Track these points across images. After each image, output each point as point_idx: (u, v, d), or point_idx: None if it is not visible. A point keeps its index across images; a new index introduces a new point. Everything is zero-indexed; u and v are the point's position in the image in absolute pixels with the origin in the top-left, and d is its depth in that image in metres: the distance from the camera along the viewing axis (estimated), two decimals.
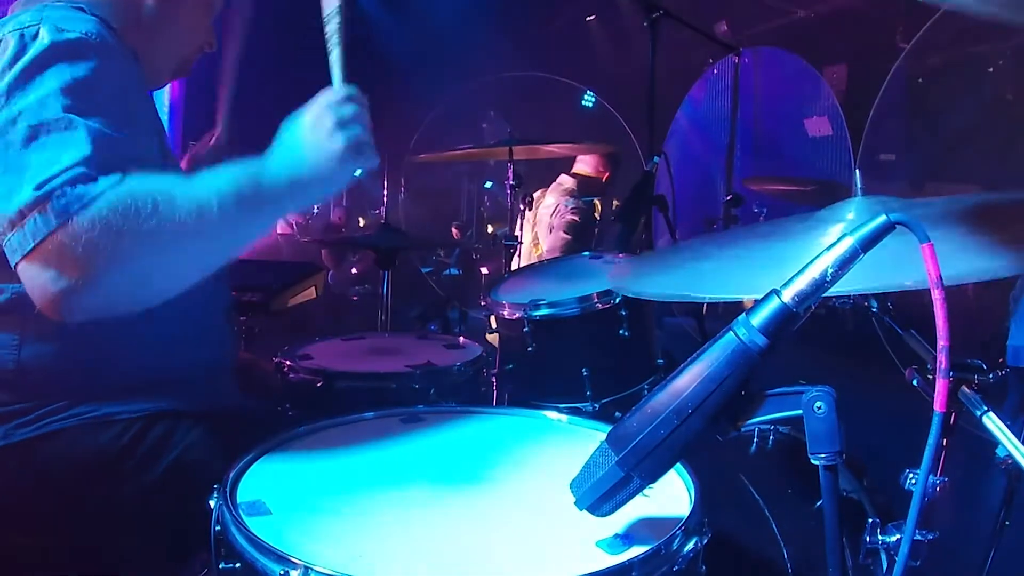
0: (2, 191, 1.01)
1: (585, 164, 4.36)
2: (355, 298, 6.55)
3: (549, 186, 4.47)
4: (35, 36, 1.07)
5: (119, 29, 1.23)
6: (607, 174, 4.39)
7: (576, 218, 4.12)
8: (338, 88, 1.21)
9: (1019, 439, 0.90)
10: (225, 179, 1.08)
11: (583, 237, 4.14)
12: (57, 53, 1.07)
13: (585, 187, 4.28)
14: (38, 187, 0.98)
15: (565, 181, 4.33)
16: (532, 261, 4.10)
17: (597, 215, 4.48)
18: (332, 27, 1.24)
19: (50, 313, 1.00)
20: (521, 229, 3.84)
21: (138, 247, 0.99)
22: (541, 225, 4.25)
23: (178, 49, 1.40)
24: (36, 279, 1.00)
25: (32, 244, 0.98)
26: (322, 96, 1.18)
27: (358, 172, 1.19)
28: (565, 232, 4.09)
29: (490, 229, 8.24)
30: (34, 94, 1.04)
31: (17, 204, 0.99)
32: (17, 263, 1.00)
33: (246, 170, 1.11)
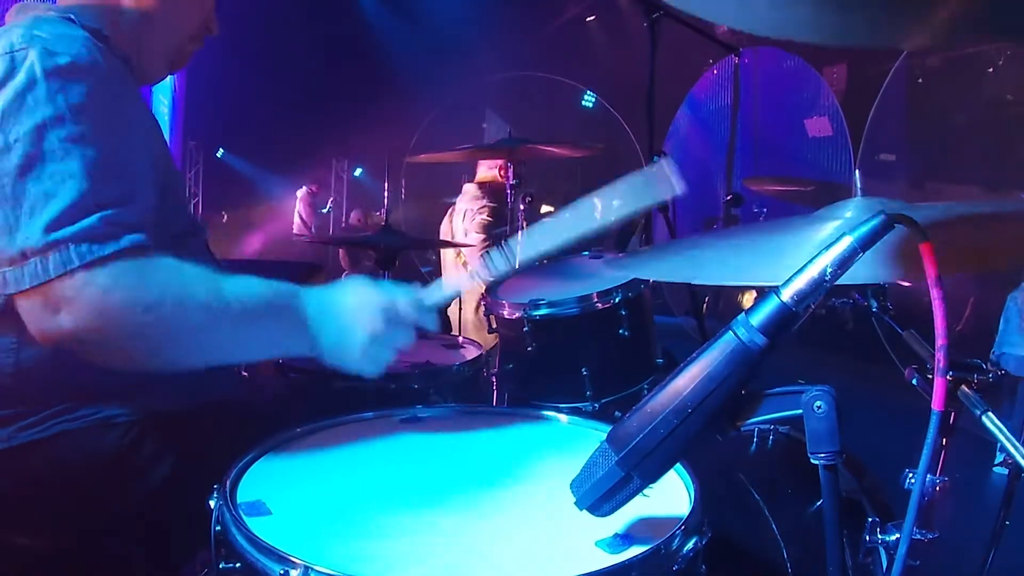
0: None
1: (486, 169, 4.45)
2: None
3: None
4: (25, 59, 1.05)
5: (110, 35, 1.22)
6: (510, 173, 4.50)
7: (488, 217, 4.24)
8: (422, 304, 1.18)
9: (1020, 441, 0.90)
10: (254, 290, 1.09)
11: (495, 236, 4.23)
12: (49, 79, 1.05)
13: (490, 191, 4.35)
14: (47, 230, 0.99)
15: (469, 189, 4.46)
16: (457, 270, 4.25)
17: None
18: (494, 264, 1.22)
19: (46, 344, 1.03)
20: (521, 230, 3.86)
21: (130, 325, 1.00)
22: (458, 235, 4.38)
23: (171, 41, 1.38)
24: (29, 311, 1.02)
25: (28, 285, 0.99)
26: (402, 295, 1.16)
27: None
28: (479, 231, 4.20)
29: (466, 237, 8.26)
30: (30, 121, 1.03)
31: (20, 245, 0.99)
32: (11, 295, 1.02)
33: (280, 290, 1.11)
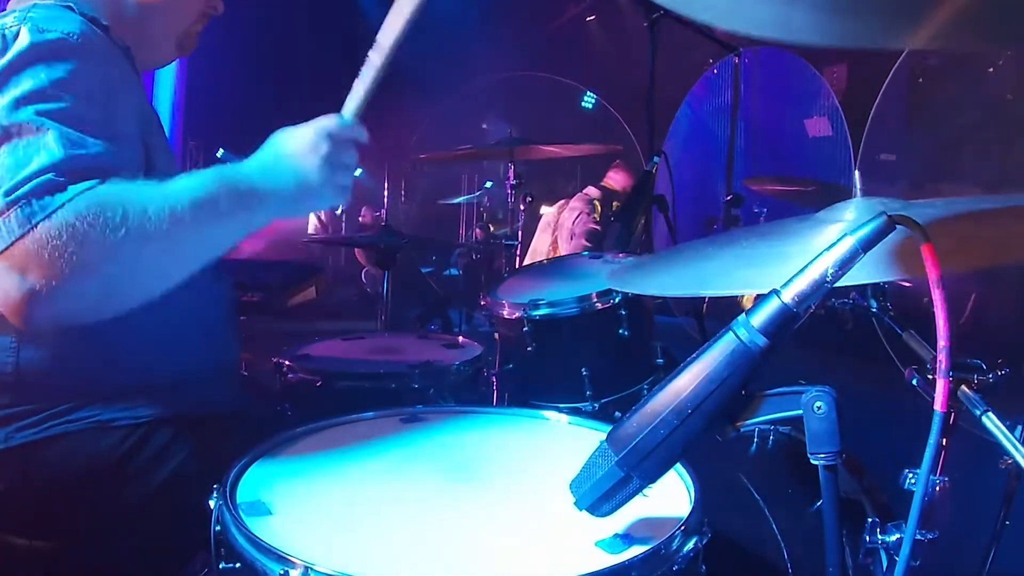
0: None
1: (614, 181, 4.47)
2: (356, 297, 6.58)
3: (557, 192, 4.60)
4: (16, 36, 1.06)
5: (110, 23, 1.22)
6: (628, 182, 4.52)
7: (597, 227, 4.25)
8: (347, 120, 1.20)
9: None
10: (200, 185, 1.06)
11: (601, 244, 4.25)
12: (36, 54, 1.05)
13: (608, 200, 4.38)
14: (7, 193, 0.97)
15: (592, 192, 4.48)
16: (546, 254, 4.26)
17: (597, 215, 4.52)
18: (378, 58, 1.21)
19: (14, 320, 0.98)
20: (520, 230, 3.87)
21: (105, 255, 0.97)
22: (562, 229, 4.38)
23: (175, 26, 1.38)
24: (5, 283, 0.97)
25: (2, 247, 0.96)
26: (327, 121, 1.17)
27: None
28: (587, 240, 4.22)
29: (491, 228, 8.26)
30: (10, 95, 1.03)
31: None
32: None
33: (223, 176, 1.09)
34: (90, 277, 0.97)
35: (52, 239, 0.95)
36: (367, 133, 1.21)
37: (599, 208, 4.34)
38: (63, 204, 0.97)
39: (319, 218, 10.59)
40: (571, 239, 4.31)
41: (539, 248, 4.58)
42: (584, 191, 4.54)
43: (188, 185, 1.06)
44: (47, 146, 1.01)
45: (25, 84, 1.04)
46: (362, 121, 1.22)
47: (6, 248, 0.96)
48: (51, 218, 0.96)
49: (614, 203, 4.48)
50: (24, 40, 1.06)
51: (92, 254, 0.96)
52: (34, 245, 0.95)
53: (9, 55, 1.05)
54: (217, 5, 1.43)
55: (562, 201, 4.53)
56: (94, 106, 1.09)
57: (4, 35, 1.07)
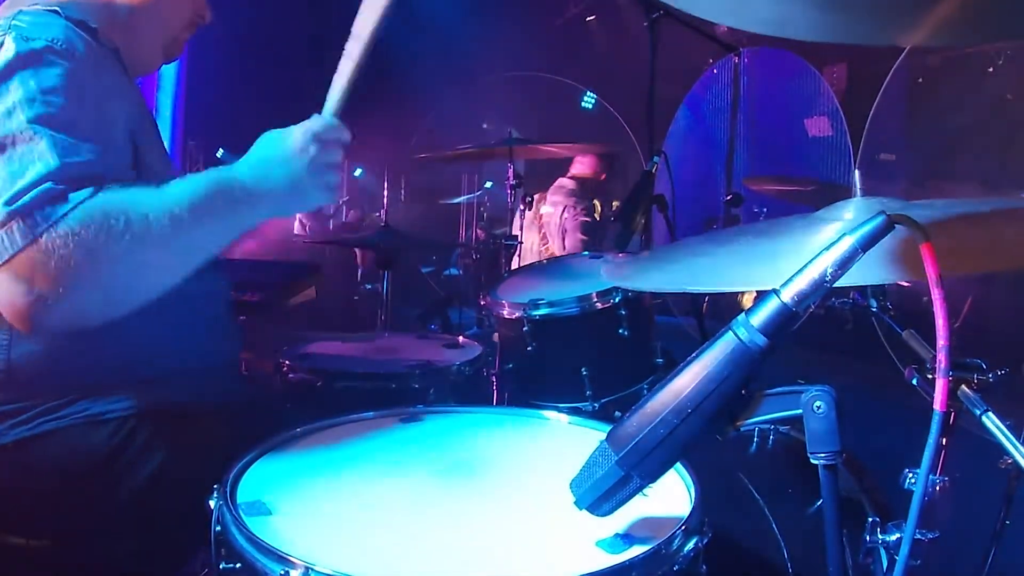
0: None
1: (583, 165, 4.41)
2: (356, 298, 6.57)
3: (548, 189, 4.51)
4: (1, 46, 1.07)
5: (99, 27, 1.22)
6: (604, 174, 4.46)
7: (588, 218, 4.22)
8: (330, 120, 1.22)
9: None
10: (196, 188, 1.09)
11: (596, 236, 4.21)
12: (23, 63, 1.06)
13: (584, 188, 4.33)
14: (7, 203, 0.99)
15: (566, 183, 4.39)
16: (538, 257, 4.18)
17: (597, 215, 4.52)
18: (354, 50, 1.22)
19: (20, 326, 1.01)
20: (521, 230, 3.86)
21: (110, 262, 1.00)
22: (550, 227, 4.32)
23: (164, 32, 1.39)
24: (5, 292, 1.00)
25: (1, 262, 0.98)
26: (312, 123, 1.19)
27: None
28: (583, 233, 4.18)
29: (565, 237, 8.28)
30: (1, 104, 1.04)
31: None
32: None
33: (217, 178, 1.12)
34: (96, 284, 1.00)
35: (57, 249, 0.98)
36: (349, 132, 1.23)
37: (580, 197, 4.27)
38: (66, 214, 0.99)
39: (300, 220, 10.61)
40: (563, 236, 4.28)
41: (529, 247, 4.54)
42: (556, 183, 4.48)
43: (185, 188, 1.09)
44: (41, 155, 1.02)
45: (15, 94, 1.04)
46: (347, 114, 1.23)
47: (10, 259, 0.98)
48: (55, 228, 0.98)
49: (594, 197, 4.45)
50: (10, 50, 1.07)
51: (97, 262, 0.99)
52: (39, 255, 0.98)
53: None
54: (205, 15, 1.44)
55: (536, 197, 4.45)
56: (84, 111, 1.10)
57: None
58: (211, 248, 1.15)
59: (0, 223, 0.98)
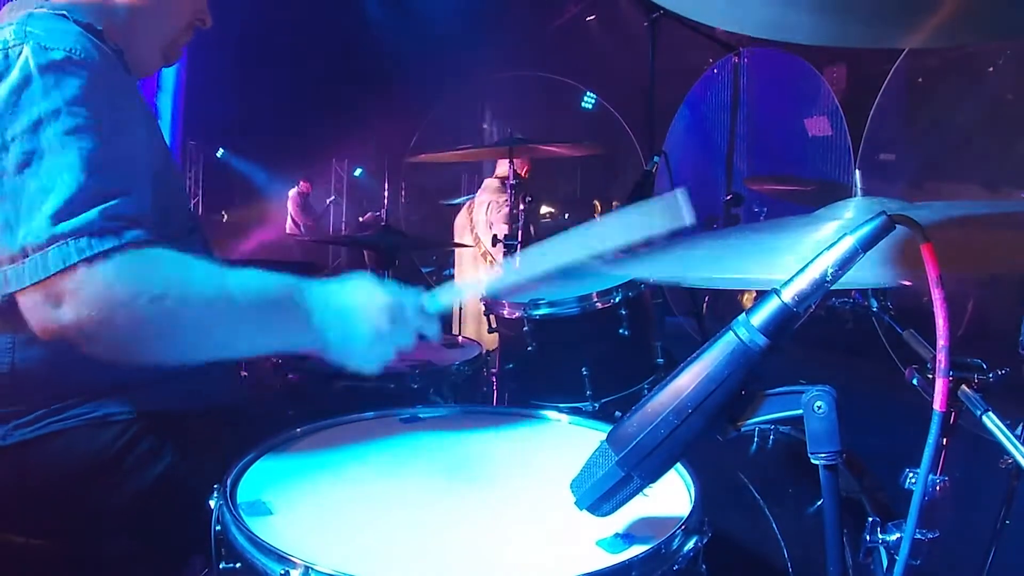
0: None
1: (504, 166, 4.49)
2: None
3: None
4: (19, 55, 1.06)
5: (103, 29, 1.22)
6: (526, 167, 4.57)
7: (513, 210, 4.27)
8: (429, 311, 1.18)
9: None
10: (258, 287, 1.08)
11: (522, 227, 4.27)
12: (45, 73, 1.05)
13: (505, 186, 4.39)
14: (46, 226, 0.99)
15: (490, 184, 4.50)
16: (478, 263, 4.27)
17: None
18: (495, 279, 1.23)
19: (46, 339, 1.02)
20: (522, 230, 3.88)
21: (132, 319, 1.00)
22: (480, 226, 4.41)
23: (163, 34, 1.38)
24: (31, 307, 1.01)
25: (28, 283, 0.99)
26: (411, 307, 1.16)
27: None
28: (506, 222, 4.23)
29: (491, 228, 8.27)
30: (26, 118, 1.03)
31: (21, 242, 0.99)
32: (12, 293, 1.02)
33: (286, 289, 1.11)
34: (114, 334, 1.00)
35: (84, 283, 0.98)
36: (439, 330, 1.20)
37: (507, 192, 4.35)
38: (109, 252, 0.99)
39: (292, 218, 10.62)
40: (489, 228, 4.34)
41: (464, 253, 4.64)
42: (482, 186, 4.60)
43: (243, 282, 1.07)
44: (70, 168, 1.02)
45: (41, 106, 1.04)
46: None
47: (41, 280, 0.99)
48: (88, 265, 0.98)
49: (523, 193, 4.53)
50: (30, 60, 1.05)
51: (121, 315, 0.99)
52: (69, 285, 0.98)
53: (15, 75, 1.05)
54: (205, 18, 1.43)
55: (466, 208, 4.60)
56: (107, 119, 1.10)
57: (7, 53, 1.06)
58: (237, 349, 1.13)
59: (38, 246, 0.99)
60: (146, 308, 1.00)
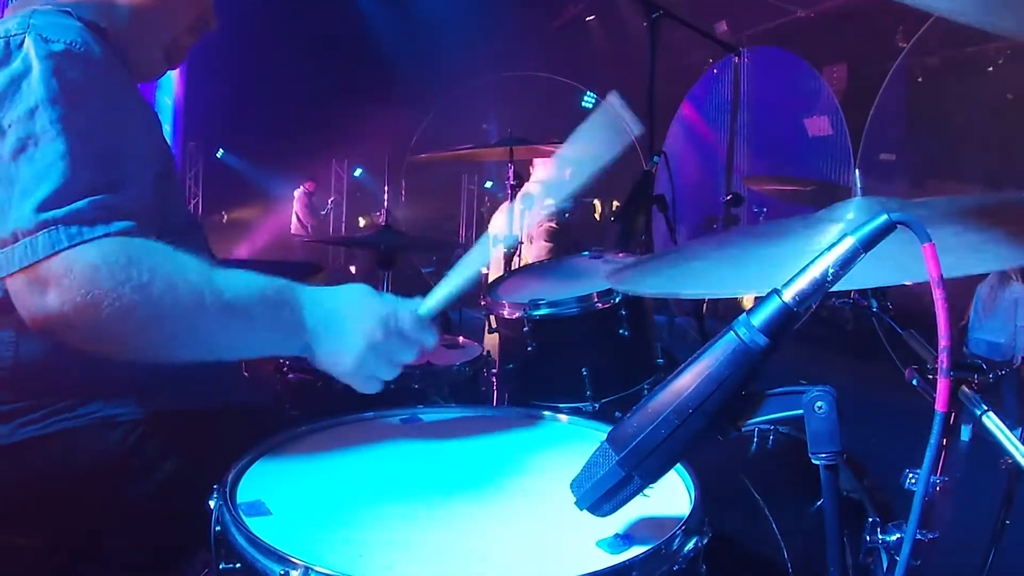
0: None
1: (543, 168, 4.37)
2: None
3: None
4: (20, 45, 1.07)
5: (107, 28, 1.22)
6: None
7: (555, 224, 4.20)
8: (423, 319, 1.16)
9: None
10: (246, 284, 1.06)
11: (564, 242, 4.19)
12: (44, 63, 1.06)
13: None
14: (36, 211, 0.99)
15: (532, 190, 4.38)
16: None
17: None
18: (474, 258, 1.19)
19: (33, 329, 1.02)
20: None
21: (114, 307, 0.98)
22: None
23: (166, 36, 1.38)
24: (17, 292, 1.01)
25: (16, 268, 0.99)
26: (405, 317, 1.13)
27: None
28: (546, 240, 4.17)
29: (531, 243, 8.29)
30: (23, 105, 1.03)
31: (11, 226, 0.99)
32: (2, 279, 1.02)
33: (276, 289, 1.09)
34: (101, 320, 0.99)
35: (71, 268, 0.98)
36: (436, 339, 1.17)
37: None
38: (93, 239, 0.99)
39: (299, 218, 10.64)
40: (530, 243, 4.28)
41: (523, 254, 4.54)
42: (522, 191, 4.49)
43: (233, 279, 1.06)
44: (63, 156, 1.02)
45: (37, 93, 1.04)
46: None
47: (30, 265, 0.98)
48: (76, 250, 0.98)
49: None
50: (31, 50, 1.06)
51: (104, 305, 0.98)
52: (55, 270, 0.98)
53: (16, 64, 1.06)
54: (211, 21, 1.42)
55: (501, 209, 4.47)
56: (103, 112, 1.10)
57: (8, 41, 1.07)
58: (224, 348, 1.09)
59: (27, 231, 0.99)
60: (131, 297, 0.98)
